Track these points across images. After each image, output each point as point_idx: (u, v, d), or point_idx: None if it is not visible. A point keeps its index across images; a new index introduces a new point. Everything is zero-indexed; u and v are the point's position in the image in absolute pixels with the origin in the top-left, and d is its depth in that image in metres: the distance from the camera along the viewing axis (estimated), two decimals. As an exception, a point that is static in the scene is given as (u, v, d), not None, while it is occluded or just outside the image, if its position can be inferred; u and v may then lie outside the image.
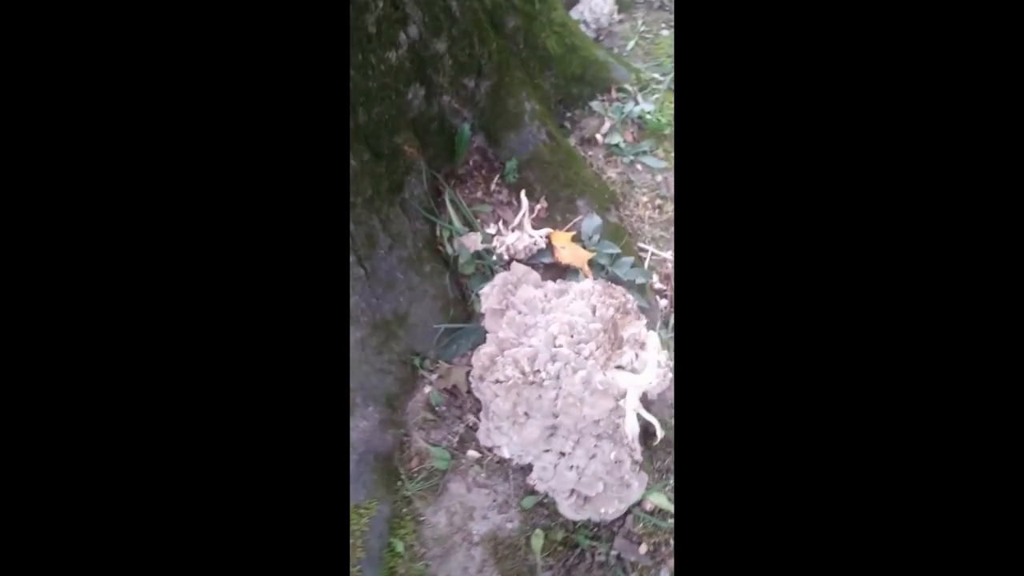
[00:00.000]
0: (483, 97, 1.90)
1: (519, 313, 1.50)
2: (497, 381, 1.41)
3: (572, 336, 1.42)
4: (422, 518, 1.53)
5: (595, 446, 1.38)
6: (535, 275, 1.65)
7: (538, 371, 1.38)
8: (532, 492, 1.51)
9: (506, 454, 1.48)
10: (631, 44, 2.70)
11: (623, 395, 1.38)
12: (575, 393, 1.34)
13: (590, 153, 2.20)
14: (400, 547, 1.48)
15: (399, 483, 1.56)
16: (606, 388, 1.34)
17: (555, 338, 1.41)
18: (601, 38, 2.74)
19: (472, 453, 1.59)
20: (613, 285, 1.60)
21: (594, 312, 1.49)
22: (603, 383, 1.35)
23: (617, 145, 2.20)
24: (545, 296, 1.55)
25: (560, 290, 1.60)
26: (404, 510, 1.54)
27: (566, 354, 1.37)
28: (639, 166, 2.22)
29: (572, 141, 2.21)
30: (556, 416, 1.36)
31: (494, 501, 1.55)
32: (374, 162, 1.60)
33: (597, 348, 1.41)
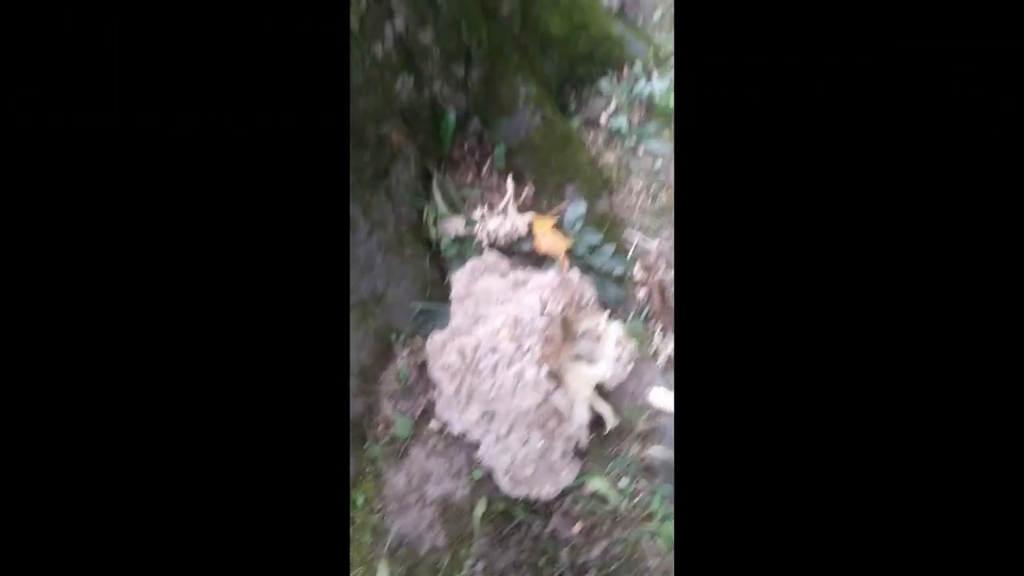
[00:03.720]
0: (475, 83, 1.95)
1: (475, 303, 1.61)
2: (445, 367, 1.53)
3: (517, 329, 1.51)
4: (383, 477, 1.72)
5: (526, 434, 1.49)
6: (504, 264, 1.74)
7: (479, 361, 1.49)
8: (480, 466, 1.66)
9: (456, 430, 1.62)
10: (658, 14, 2.62)
11: (559, 388, 1.48)
12: (506, 386, 1.45)
13: (590, 136, 2.21)
14: (360, 500, 1.68)
15: (365, 444, 1.75)
16: (536, 383, 1.44)
17: (498, 331, 1.51)
18: (626, 7, 2.67)
19: (432, 424, 1.75)
20: (572, 279, 1.66)
21: (543, 309, 1.57)
22: (534, 379, 1.45)
23: (619, 130, 2.20)
24: (506, 287, 1.65)
25: (520, 281, 1.69)
26: (368, 469, 1.73)
27: (504, 348, 1.47)
28: (641, 151, 2.21)
29: (576, 123, 2.22)
30: (492, 403, 1.48)
31: (448, 469, 1.71)
32: (357, 151, 1.71)
33: (539, 344, 1.51)
